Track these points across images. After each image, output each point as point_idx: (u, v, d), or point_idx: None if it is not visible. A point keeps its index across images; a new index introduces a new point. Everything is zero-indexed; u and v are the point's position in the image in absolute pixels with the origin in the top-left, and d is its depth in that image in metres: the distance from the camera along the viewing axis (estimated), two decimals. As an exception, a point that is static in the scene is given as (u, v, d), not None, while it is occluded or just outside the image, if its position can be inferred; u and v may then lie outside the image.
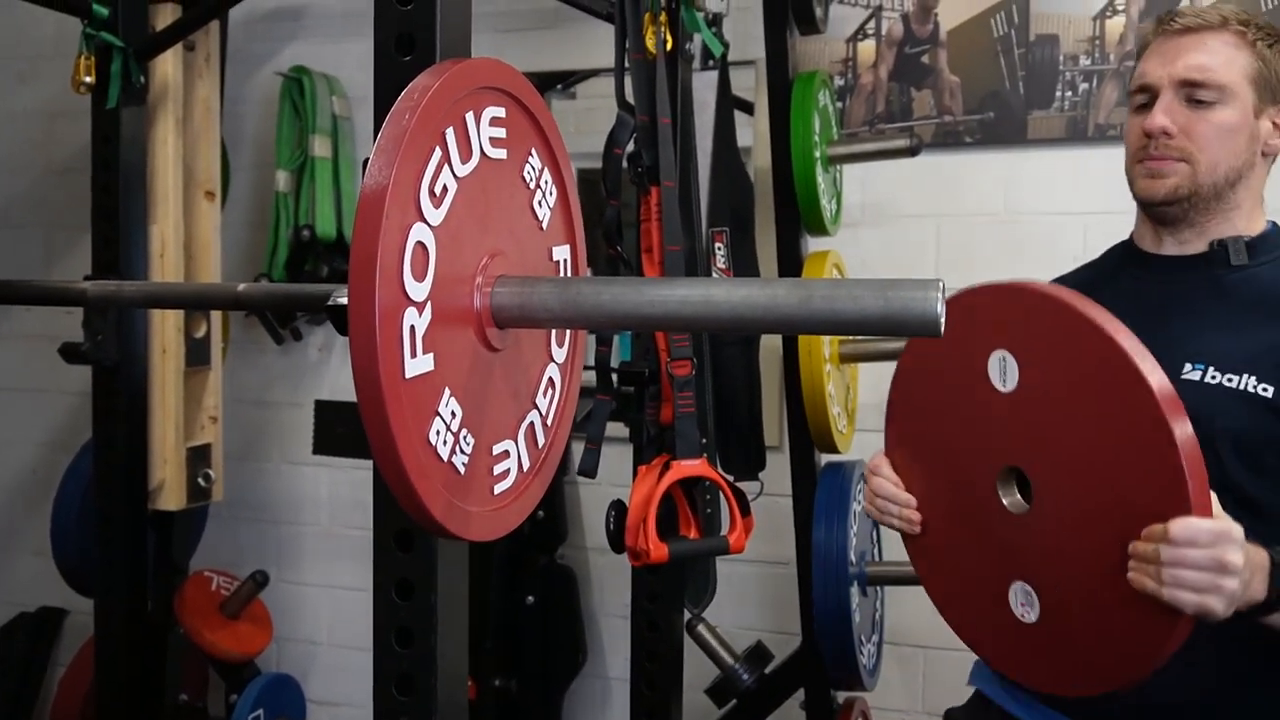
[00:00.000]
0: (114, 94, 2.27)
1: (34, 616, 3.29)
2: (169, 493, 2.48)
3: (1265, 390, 1.37)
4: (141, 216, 2.37)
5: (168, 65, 2.39)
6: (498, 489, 1.10)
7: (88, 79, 2.26)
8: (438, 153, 0.95)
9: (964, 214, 2.55)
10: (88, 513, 2.53)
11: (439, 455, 0.98)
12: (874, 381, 2.61)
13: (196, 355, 2.54)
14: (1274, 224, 1.49)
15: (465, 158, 0.99)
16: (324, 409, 2.97)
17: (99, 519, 2.44)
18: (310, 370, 3.12)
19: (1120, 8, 2.44)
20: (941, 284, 0.95)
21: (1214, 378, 1.40)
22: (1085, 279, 1.59)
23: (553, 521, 2.77)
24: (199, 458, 2.57)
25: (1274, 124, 1.46)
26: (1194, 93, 1.43)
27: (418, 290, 0.94)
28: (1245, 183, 1.45)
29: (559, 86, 2.96)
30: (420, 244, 0.91)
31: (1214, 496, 1.23)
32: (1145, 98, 1.47)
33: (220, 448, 2.62)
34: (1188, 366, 1.42)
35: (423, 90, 0.94)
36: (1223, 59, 1.43)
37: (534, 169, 1.13)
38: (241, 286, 1.22)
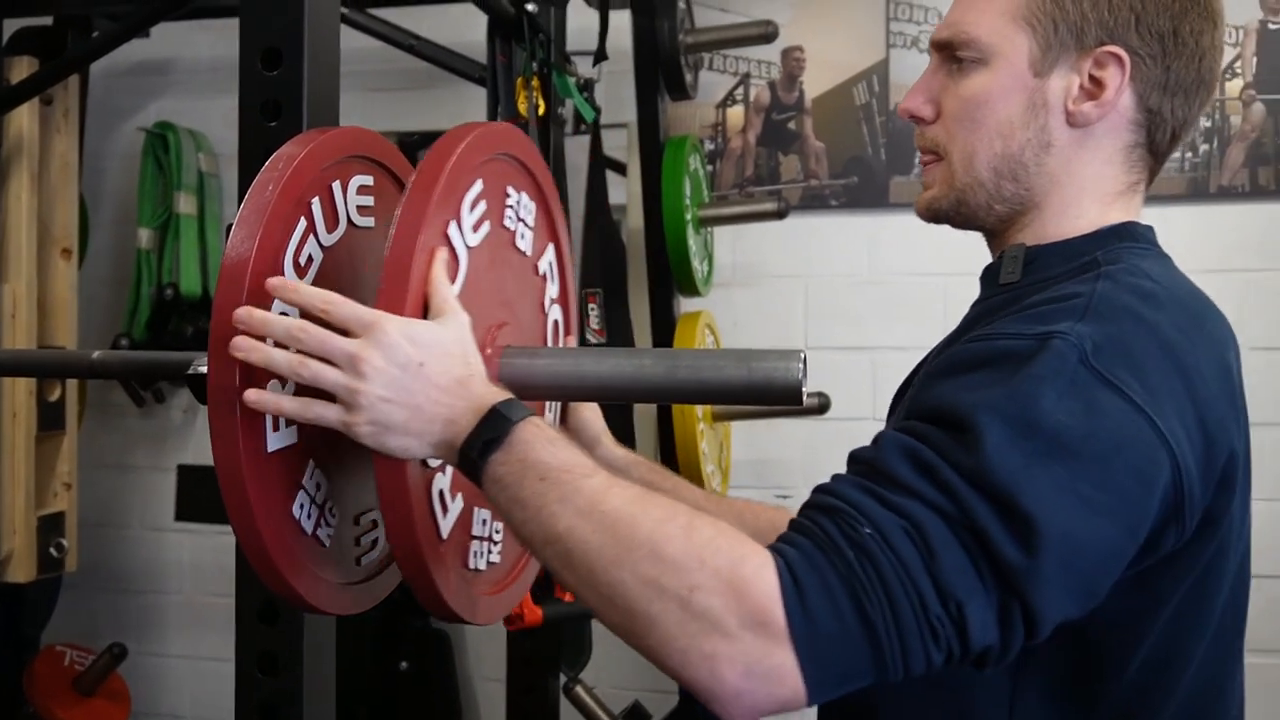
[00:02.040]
0: (-36, 149, 2.19)
1: None
2: (18, 564, 2.36)
3: None
4: (-9, 275, 2.28)
5: (23, 120, 2.32)
6: (365, 560, 1.08)
7: (-65, 133, 2.18)
8: (302, 223, 0.95)
9: (831, 274, 2.62)
10: (-73, 588, 2.39)
11: (303, 529, 0.96)
12: (747, 439, 2.65)
13: (50, 419, 2.44)
14: (1123, 226, 1.00)
15: (331, 227, 0.99)
16: (187, 474, 2.87)
17: (-60, 594, 2.31)
18: (173, 433, 3.02)
19: (973, 79, 2.56)
20: (803, 354, 0.98)
21: None
22: None
23: (427, 584, 2.72)
24: (51, 526, 2.45)
25: (1082, 82, 0.97)
26: (951, 59, 1.02)
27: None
28: (1041, 172, 0.99)
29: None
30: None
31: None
32: None
33: (75, 515, 2.51)
34: None
35: (287, 160, 0.94)
36: (978, 1, 1.00)
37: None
38: (97, 354, 1.18)
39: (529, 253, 1.11)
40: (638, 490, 0.85)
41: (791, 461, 2.67)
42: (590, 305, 2.14)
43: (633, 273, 2.49)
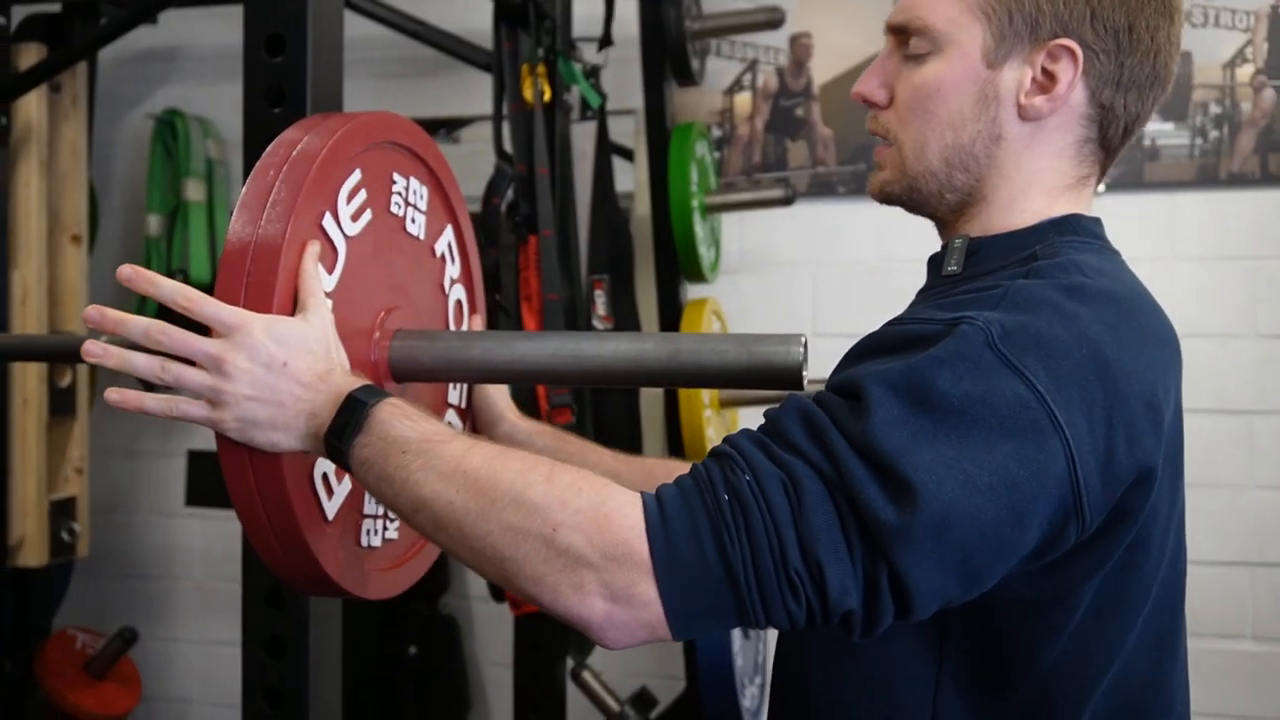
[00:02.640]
0: (-27, 136, 2.20)
1: (-119, 682, 3.11)
2: (30, 548, 2.38)
3: None
4: (2, 262, 2.29)
5: (31, 107, 2.33)
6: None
7: (-56, 119, 2.19)
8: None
9: (839, 261, 2.62)
10: (-60, 571, 2.41)
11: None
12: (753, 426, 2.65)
13: (61, 405, 2.45)
14: (1065, 220, 0.99)
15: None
16: (198, 459, 2.89)
17: (-48, 578, 2.33)
18: (183, 419, 3.03)
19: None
20: (803, 338, 0.99)
21: None
22: None
23: (434, 570, 2.72)
24: (63, 511, 2.47)
25: (1034, 75, 0.96)
26: (906, 44, 0.99)
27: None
28: (991, 164, 0.98)
29: (442, 131, 2.95)
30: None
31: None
32: None
33: (86, 500, 2.53)
34: None
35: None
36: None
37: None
38: (105, 340, 1.19)
39: (422, 236, 1.13)
40: (498, 448, 0.88)
41: (798, 448, 2.67)
42: (597, 291, 2.14)
43: (640, 259, 2.49)
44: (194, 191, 2.83)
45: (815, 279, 2.63)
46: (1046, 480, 0.81)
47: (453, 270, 1.20)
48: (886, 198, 1.05)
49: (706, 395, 2.27)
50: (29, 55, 2.34)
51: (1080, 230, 0.98)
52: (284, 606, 1.18)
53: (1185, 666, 1.02)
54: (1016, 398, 0.81)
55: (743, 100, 2.65)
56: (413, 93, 2.83)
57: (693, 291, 2.44)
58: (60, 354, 1.34)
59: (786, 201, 2.34)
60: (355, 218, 1.00)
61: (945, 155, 0.98)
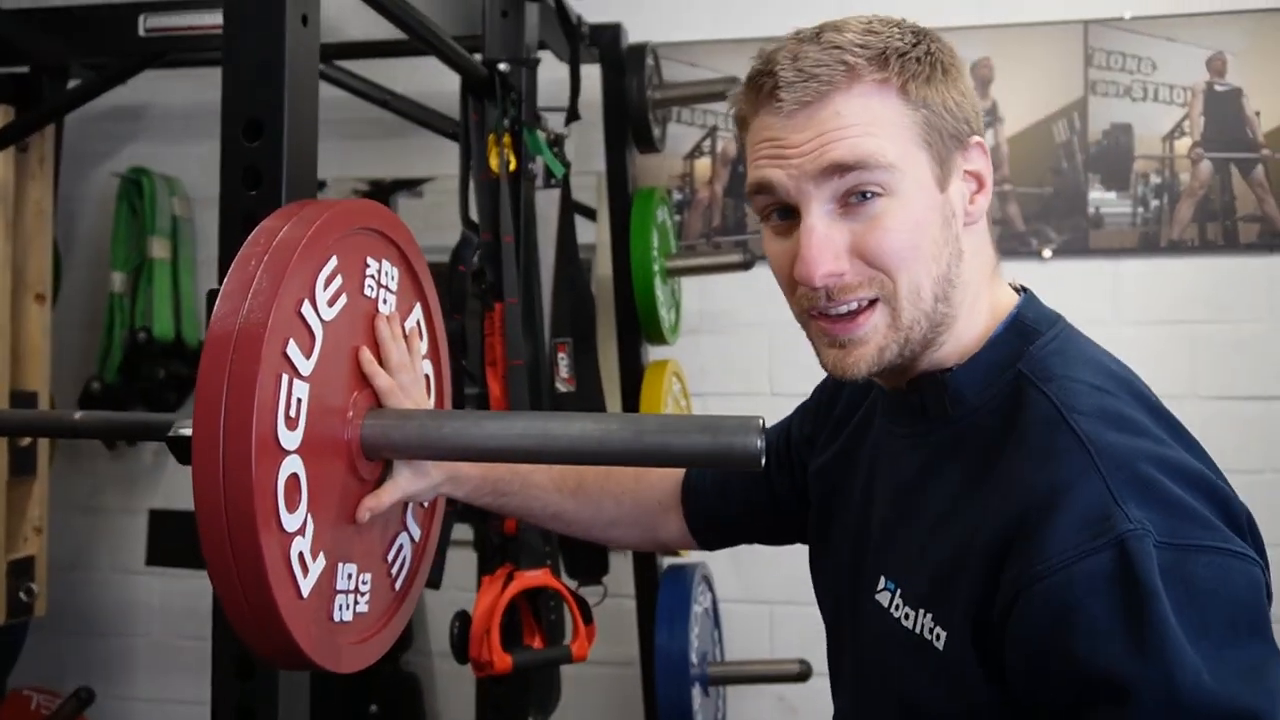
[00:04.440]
0: (-60, 197, 2.21)
1: None
2: (-13, 609, 2.36)
3: (938, 637, 0.93)
4: (-35, 322, 2.30)
5: (-1, 168, 2.34)
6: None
7: (-88, 182, 2.20)
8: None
9: (794, 322, 2.67)
10: (-105, 632, 2.38)
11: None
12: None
13: (21, 465, 2.44)
14: (1016, 320, 1.00)
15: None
16: (159, 519, 2.88)
17: (-93, 640, 2.31)
18: (144, 476, 3.03)
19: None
20: (761, 421, 1.03)
21: (897, 608, 0.99)
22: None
23: (396, 627, 2.74)
24: (21, 571, 2.45)
25: (966, 180, 0.98)
26: (851, 188, 0.93)
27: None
28: (960, 283, 0.97)
29: (404, 191, 3.00)
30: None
31: None
32: (771, 201, 0.98)
33: (45, 559, 2.51)
34: (881, 581, 1.03)
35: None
36: (872, 127, 0.92)
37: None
38: (79, 415, 1.22)
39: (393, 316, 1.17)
40: None
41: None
42: (560, 354, 2.18)
43: (602, 320, 2.54)
44: (159, 249, 2.85)
45: (771, 339, 2.69)
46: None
47: (421, 347, 1.24)
48: (879, 368, 0.97)
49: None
50: (-3, 117, 2.36)
51: (1032, 323, 1.00)
52: (254, 678, 1.20)
53: None
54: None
55: (702, 165, 2.72)
56: (378, 154, 2.87)
57: (654, 353, 2.49)
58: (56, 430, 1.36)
59: (745, 266, 2.40)
60: (331, 303, 1.04)
61: (934, 290, 0.95)
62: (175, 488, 2.96)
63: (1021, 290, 1.04)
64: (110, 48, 2.21)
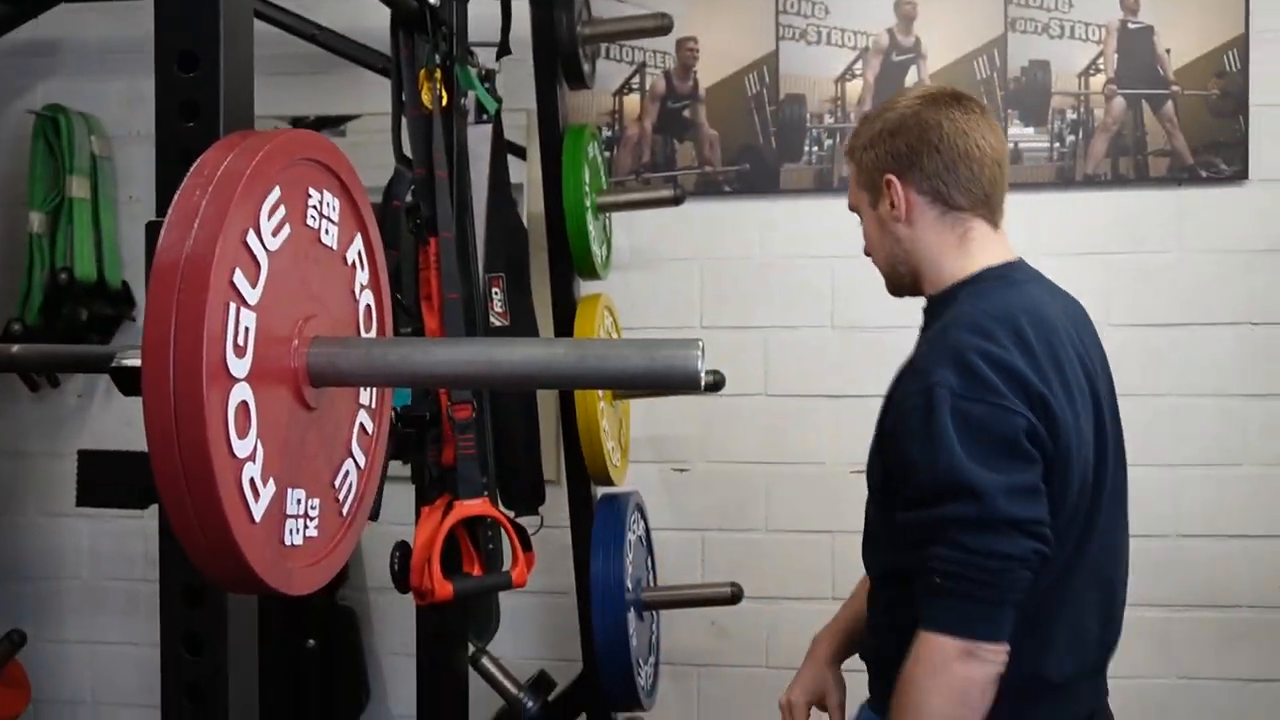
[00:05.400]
0: None
1: None
2: (-86, 554, 2.34)
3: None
4: (-119, 262, 2.24)
5: (-91, 103, 2.28)
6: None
7: None
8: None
9: (725, 257, 2.73)
10: None
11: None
12: (645, 416, 2.75)
13: (-56, 407, 2.41)
14: (974, 276, 1.59)
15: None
16: (88, 459, 2.82)
17: None
18: (70, 417, 2.99)
19: (858, 72, 2.69)
20: (701, 343, 1.07)
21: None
22: None
23: (333, 563, 2.76)
24: (-53, 515, 2.43)
25: (891, 200, 1.60)
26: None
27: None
28: (906, 253, 1.62)
29: (328, 129, 2.97)
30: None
31: None
32: None
33: (-30, 503, 2.49)
34: None
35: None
36: (851, 188, 1.69)
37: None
38: (16, 348, 1.22)
39: (335, 246, 1.18)
40: None
41: (688, 437, 2.78)
42: (494, 290, 2.20)
43: (535, 256, 2.56)
44: (78, 188, 2.79)
45: (702, 274, 2.74)
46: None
47: (362, 276, 1.25)
48: (895, 294, 1.71)
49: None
50: (-94, 50, 2.28)
51: (978, 280, 1.58)
52: (203, 605, 1.22)
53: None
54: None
55: (632, 102, 2.74)
56: (304, 90, 2.84)
57: (586, 288, 2.52)
58: None
59: (676, 201, 2.43)
60: (275, 232, 1.05)
61: (888, 261, 1.66)
62: (103, 428, 2.94)
63: (1009, 264, 1.62)
64: (24, -22, 2.15)
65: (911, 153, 1.58)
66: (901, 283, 1.66)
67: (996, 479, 1.39)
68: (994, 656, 1.40)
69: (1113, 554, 1.59)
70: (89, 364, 1.16)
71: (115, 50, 2.87)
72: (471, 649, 2.32)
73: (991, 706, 1.42)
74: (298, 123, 2.88)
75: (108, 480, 2.85)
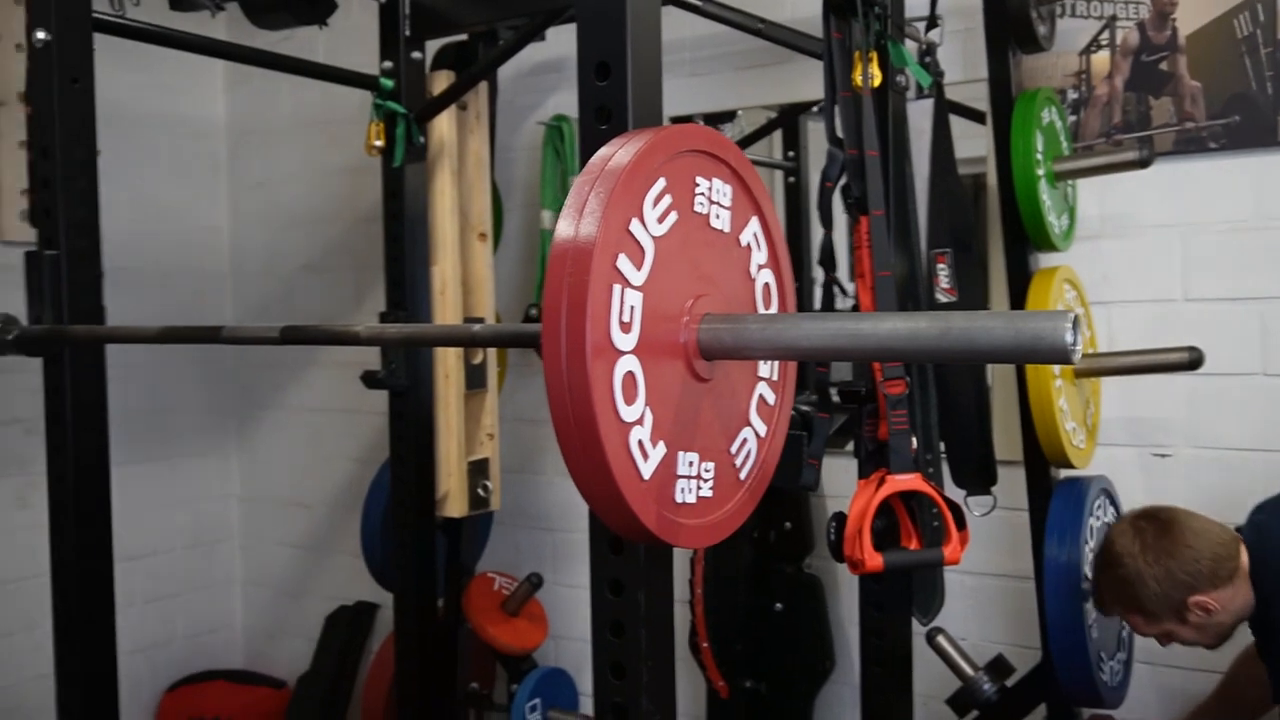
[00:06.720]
0: (399, 154, 2.61)
1: (351, 609, 3.75)
2: (453, 501, 2.80)
3: None
4: (424, 259, 2.71)
5: (443, 125, 2.71)
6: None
7: (378, 143, 2.62)
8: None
9: (1210, 221, 2.46)
10: (389, 520, 2.89)
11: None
12: (1122, 395, 2.57)
13: (474, 379, 2.85)
14: None
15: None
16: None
17: (396, 525, 2.79)
18: (578, 391, 3.38)
19: (1384, -5, 2.30)
20: (1074, 315, 1.02)
21: None
22: None
23: (799, 532, 2.89)
24: (478, 470, 2.87)
25: None
26: None
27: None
28: None
29: (814, 109, 3.05)
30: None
31: None
32: None
33: (497, 462, 2.92)
34: None
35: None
36: None
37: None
38: (477, 327, 1.45)
39: (727, 229, 1.24)
40: None
41: (1171, 420, 2.55)
42: (939, 265, 2.18)
43: (992, 230, 2.50)
44: (580, 187, 3.14)
45: (1185, 242, 2.49)
46: None
47: (759, 257, 1.33)
48: None
49: (1056, 366, 2.25)
50: (440, 81, 2.73)
51: None
52: (623, 553, 1.38)
53: None
54: None
55: (1100, 59, 2.56)
56: (773, 81, 2.97)
57: (1045, 260, 2.40)
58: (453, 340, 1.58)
59: (1143, 164, 2.25)
60: (661, 220, 1.16)
61: None
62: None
63: None
64: (520, 8, 2.49)
65: None
66: None
67: None
68: None
69: None
70: (528, 340, 1.36)
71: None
72: (929, 626, 2.32)
73: None
74: (782, 109, 3.00)
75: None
